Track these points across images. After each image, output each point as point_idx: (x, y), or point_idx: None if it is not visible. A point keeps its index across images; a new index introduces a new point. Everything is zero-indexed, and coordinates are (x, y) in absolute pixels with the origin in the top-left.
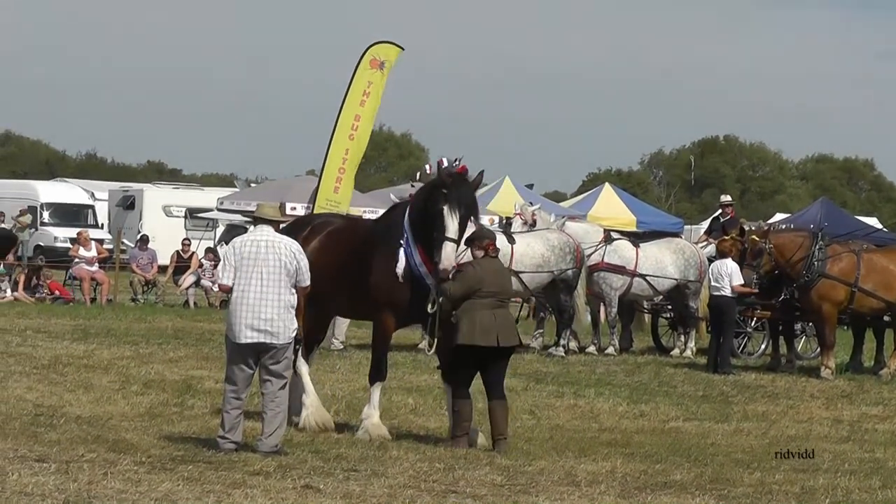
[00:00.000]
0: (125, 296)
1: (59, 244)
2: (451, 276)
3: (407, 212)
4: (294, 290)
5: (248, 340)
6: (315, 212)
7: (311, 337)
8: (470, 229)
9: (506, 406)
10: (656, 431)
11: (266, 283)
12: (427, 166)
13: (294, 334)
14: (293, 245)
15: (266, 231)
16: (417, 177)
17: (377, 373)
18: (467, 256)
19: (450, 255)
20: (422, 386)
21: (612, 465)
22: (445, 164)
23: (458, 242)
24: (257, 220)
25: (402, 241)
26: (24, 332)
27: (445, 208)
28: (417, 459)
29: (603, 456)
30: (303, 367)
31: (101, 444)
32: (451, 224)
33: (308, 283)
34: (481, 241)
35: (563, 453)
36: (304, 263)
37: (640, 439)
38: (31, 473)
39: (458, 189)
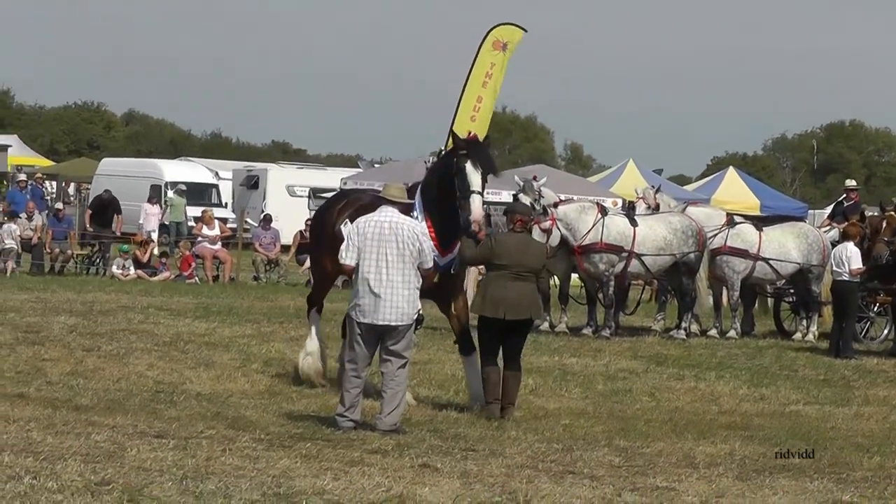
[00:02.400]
0: (247, 275)
1: (166, 222)
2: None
3: (419, 188)
4: (418, 272)
5: (371, 320)
6: None
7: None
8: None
9: (518, 377)
10: (776, 415)
11: (389, 264)
12: (442, 148)
13: (416, 315)
14: (417, 227)
15: (390, 212)
16: (429, 161)
17: None
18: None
19: (478, 205)
20: (542, 367)
21: (731, 447)
22: (442, 150)
23: (482, 195)
24: (384, 200)
25: (412, 215)
26: (146, 310)
27: (468, 165)
28: (536, 440)
29: (722, 438)
30: (314, 319)
31: (221, 420)
32: (475, 179)
33: (431, 264)
34: (513, 214)
35: (681, 435)
36: (428, 245)
37: (760, 422)
38: (149, 449)
39: (476, 149)
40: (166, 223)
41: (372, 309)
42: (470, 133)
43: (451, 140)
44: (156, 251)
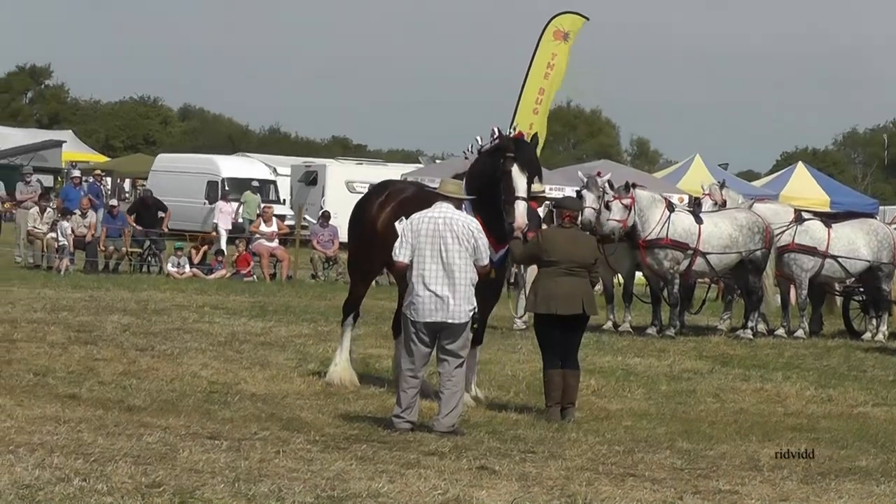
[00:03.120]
0: (305, 273)
1: (239, 219)
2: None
3: (465, 181)
4: (473, 268)
5: (427, 319)
6: None
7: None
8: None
9: (577, 376)
10: (843, 416)
11: (445, 261)
12: (478, 138)
13: (472, 313)
14: (471, 223)
15: (444, 208)
16: (469, 148)
17: None
18: None
19: (523, 212)
20: (605, 367)
21: (797, 449)
22: (479, 140)
23: (528, 200)
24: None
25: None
26: (201, 309)
27: (514, 169)
28: (597, 442)
29: (787, 441)
30: (347, 327)
31: (275, 422)
32: (521, 183)
33: (486, 261)
34: (561, 209)
35: (746, 437)
36: (483, 242)
37: (827, 424)
38: (202, 451)
39: (523, 150)
40: (240, 220)
41: (427, 307)
42: (515, 129)
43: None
44: (222, 246)
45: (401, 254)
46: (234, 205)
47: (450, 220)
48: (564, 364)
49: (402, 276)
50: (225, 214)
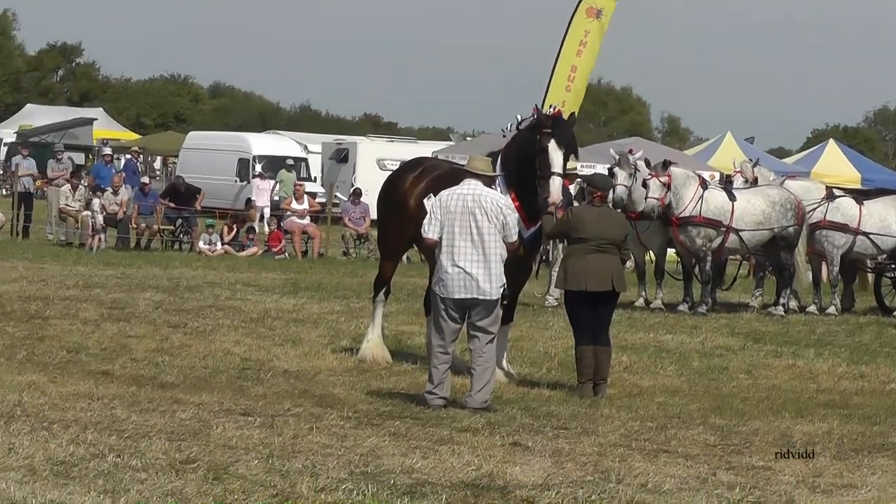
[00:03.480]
0: (337, 250)
1: (275, 197)
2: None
3: (500, 158)
4: (503, 245)
5: (456, 295)
6: None
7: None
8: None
9: (608, 352)
10: (876, 393)
11: (474, 237)
12: (518, 116)
13: (502, 290)
14: (500, 199)
15: (473, 185)
16: (509, 126)
17: None
18: None
19: (557, 188)
20: (636, 344)
21: (829, 426)
22: (519, 118)
23: (563, 177)
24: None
25: (493, 186)
26: (233, 286)
27: (551, 145)
28: (629, 418)
29: (820, 417)
30: (379, 303)
31: (308, 398)
32: (557, 159)
33: (515, 237)
34: (592, 189)
35: (778, 414)
36: (512, 218)
37: (859, 401)
38: (235, 427)
39: (560, 128)
40: (276, 198)
41: (456, 283)
42: (554, 108)
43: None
44: (263, 224)
45: (430, 230)
46: (271, 182)
47: (479, 196)
48: (596, 340)
49: (432, 252)
50: (262, 192)
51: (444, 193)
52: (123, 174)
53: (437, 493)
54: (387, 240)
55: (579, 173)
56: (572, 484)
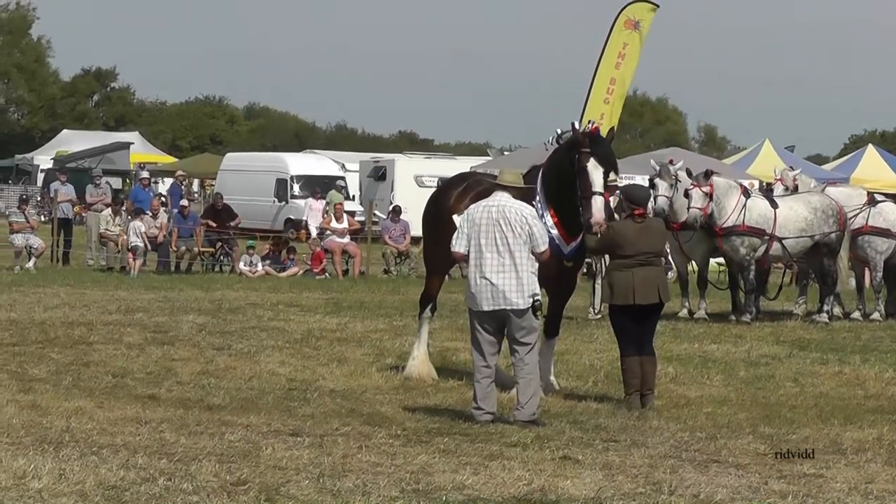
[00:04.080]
0: (377, 268)
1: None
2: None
3: (540, 174)
4: (531, 255)
5: (485, 307)
6: None
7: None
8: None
9: (654, 362)
10: None
11: (500, 248)
12: (559, 130)
13: (533, 300)
14: (525, 209)
15: (500, 197)
16: (550, 140)
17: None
18: None
19: (600, 208)
20: (682, 355)
21: (879, 432)
22: (559, 132)
23: (604, 196)
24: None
25: (533, 203)
26: (275, 307)
27: (590, 164)
28: (679, 429)
29: (869, 423)
30: (425, 320)
31: (356, 417)
32: (598, 178)
33: (544, 248)
34: (631, 205)
35: (827, 421)
36: (538, 228)
37: None
38: (285, 448)
39: (598, 146)
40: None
41: (484, 296)
42: (592, 124)
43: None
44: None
45: (458, 245)
46: (323, 202)
47: (503, 207)
48: (641, 351)
49: None
50: (315, 212)
51: (471, 207)
52: (163, 197)
53: None
54: (433, 256)
55: (618, 185)
56: (624, 496)
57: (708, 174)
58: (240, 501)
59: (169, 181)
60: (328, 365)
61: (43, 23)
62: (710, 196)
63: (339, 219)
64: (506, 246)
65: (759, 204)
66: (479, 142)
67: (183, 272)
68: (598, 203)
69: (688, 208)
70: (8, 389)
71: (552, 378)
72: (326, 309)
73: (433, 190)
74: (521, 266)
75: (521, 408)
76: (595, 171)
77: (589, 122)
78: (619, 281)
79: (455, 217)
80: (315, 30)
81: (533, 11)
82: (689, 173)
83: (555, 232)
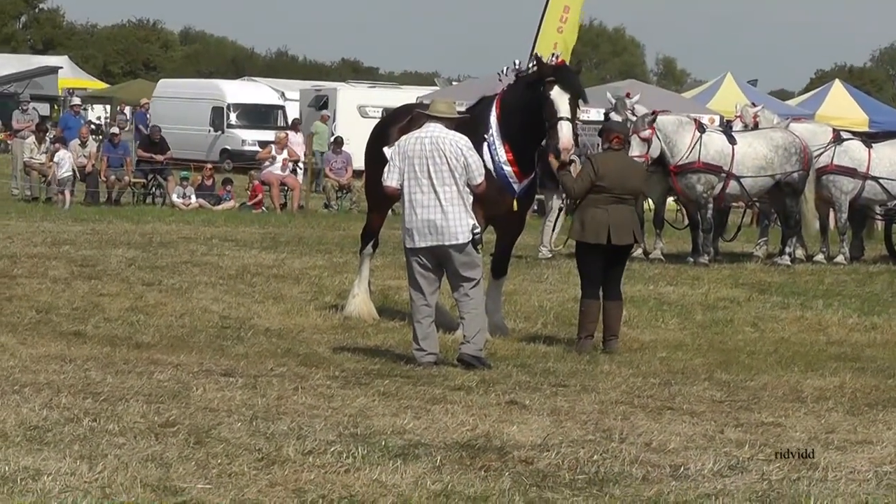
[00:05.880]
0: (318, 202)
1: (246, 147)
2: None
3: (494, 106)
4: (467, 187)
5: (421, 244)
6: None
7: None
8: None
9: (620, 307)
10: (889, 345)
11: (434, 182)
12: (516, 61)
13: (472, 233)
14: (460, 140)
15: (433, 128)
16: (505, 71)
17: None
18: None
19: (568, 133)
20: (636, 297)
21: (841, 380)
22: (517, 63)
23: (571, 121)
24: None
25: (486, 136)
26: (209, 241)
27: (554, 91)
28: (631, 374)
29: (831, 370)
30: (366, 257)
31: (292, 357)
32: (563, 104)
33: (480, 180)
34: (609, 133)
35: (787, 368)
36: (474, 159)
37: (872, 353)
38: (216, 388)
39: (564, 74)
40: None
41: (421, 232)
42: (557, 57)
43: (534, 63)
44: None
45: (389, 178)
46: (300, 136)
47: (437, 138)
48: (608, 294)
49: None
50: (295, 146)
51: (403, 139)
52: (93, 125)
53: (432, 455)
54: (375, 190)
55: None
56: (573, 444)
57: (647, 118)
58: (168, 443)
59: (99, 107)
60: (264, 303)
61: None
62: (648, 141)
63: (281, 150)
64: (441, 179)
65: (715, 139)
66: (427, 71)
67: (112, 203)
68: (565, 128)
69: None
70: None
71: (502, 319)
72: (263, 244)
73: (377, 121)
74: (457, 199)
75: (468, 341)
76: (560, 97)
77: (553, 54)
78: (592, 218)
79: (385, 149)
80: None
81: None
82: (633, 112)
83: (508, 169)
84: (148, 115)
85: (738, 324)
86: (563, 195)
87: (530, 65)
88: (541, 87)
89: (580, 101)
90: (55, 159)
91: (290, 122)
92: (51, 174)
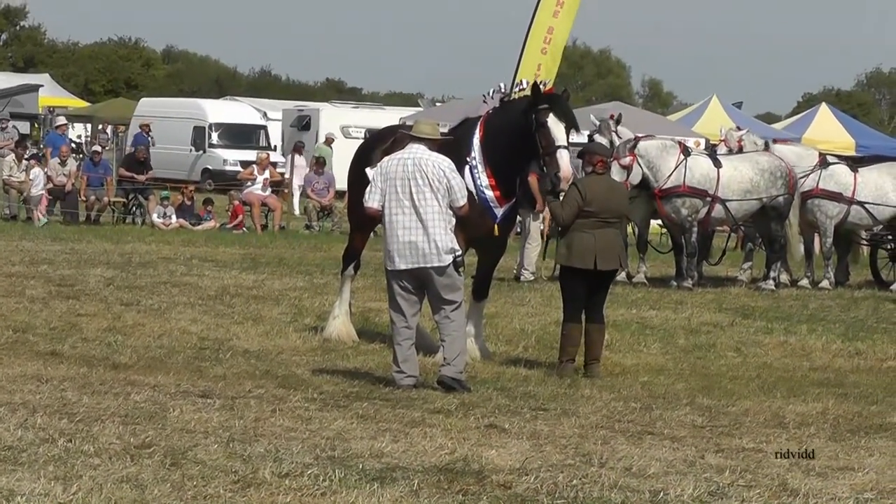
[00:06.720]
0: (299, 223)
1: (228, 167)
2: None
3: (478, 129)
4: (449, 209)
5: (401, 266)
6: None
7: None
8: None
9: (602, 330)
10: (872, 371)
11: (417, 203)
12: (502, 84)
13: (454, 255)
14: (443, 162)
15: (416, 149)
16: (490, 93)
17: None
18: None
19: (567, 161)
20: (618, 321)
21: (824, 405)
22: (503, 87)
23: (569, 149)
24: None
25: (468, 159)
26: (189, 261)
27: (550, 119)
28: (612, 398)
29: (814, 396)
30: (347, 278)
31: (270, 379)
32: (560, 133)
33: (463, 202)
34: (592, 156)
35: (770, 393)
36: (456, 181)
37: (855, 379)
38: (194, 409)
39: (559, 102)
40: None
41: (402, 254)
42: (545, 85)
43: (521, 88)
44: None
45: (371, 199)
46: (302, 158)
47: (419, 160)
48: (590, 318)
49: None
50: (299, 168)
51: (385, 160)
52: (74, 144)
53: (409, 479)
54: (357, 212)
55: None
56: (552, 468)
57: (629, 145)
58: (143, 465)
59: (79, 126)
60: (243, 324)
61: None
62: (628, 168)
63: (262, 170)
64: (423, 200)
65: (701, 163)
66: (410, 91)
67: (92, 223)
68: (564, 156)
69: None
70: None
71: (481, 342)
72: (243, 265)
73: (360, 142)
74: (438, 222)
75: (448, 363)
76: (556, 126)
77: (541, 82)
78: (579, 242)
79: (368, 170)
80: None
81: None
82: (617, 135)
83: (490, 193)
84: (150, 138)
85: (720, 348)
86: (542, 219)
87: (516, 89)
88: (533, 114)
89: (572, 130)
90: (31, 176)
91: (295, 145)
92: (26, 191)
